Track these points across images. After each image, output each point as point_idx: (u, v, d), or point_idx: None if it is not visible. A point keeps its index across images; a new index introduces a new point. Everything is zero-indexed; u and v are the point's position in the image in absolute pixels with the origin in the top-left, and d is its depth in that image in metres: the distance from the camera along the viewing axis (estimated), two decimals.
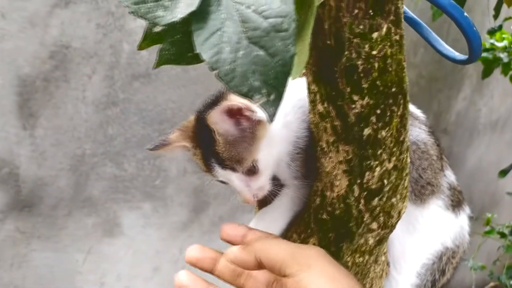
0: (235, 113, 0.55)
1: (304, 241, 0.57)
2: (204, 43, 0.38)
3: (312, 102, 0.51)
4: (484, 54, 2.11)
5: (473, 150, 2.75)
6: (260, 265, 0.52)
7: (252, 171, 0.58)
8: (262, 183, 0.59)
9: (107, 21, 1.60)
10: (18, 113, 1.53)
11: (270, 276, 0.53)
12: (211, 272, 0.58)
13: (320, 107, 0.50)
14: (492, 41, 2.15)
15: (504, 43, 2.14)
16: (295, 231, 0.59)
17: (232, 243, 0.59)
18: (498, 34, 2.17)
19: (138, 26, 1.65)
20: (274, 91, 0.36)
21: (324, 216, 0.55)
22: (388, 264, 0.63)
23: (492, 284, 2.73)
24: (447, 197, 0.67)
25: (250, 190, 0.59)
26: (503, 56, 2.14)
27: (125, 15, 1.63)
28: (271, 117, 0.35)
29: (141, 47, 0.49)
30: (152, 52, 1.71)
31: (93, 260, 1.78)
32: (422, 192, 0.64)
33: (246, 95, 0.36)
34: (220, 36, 0.38)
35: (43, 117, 1.56)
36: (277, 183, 0.61)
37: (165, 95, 1.75)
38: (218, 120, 0.55)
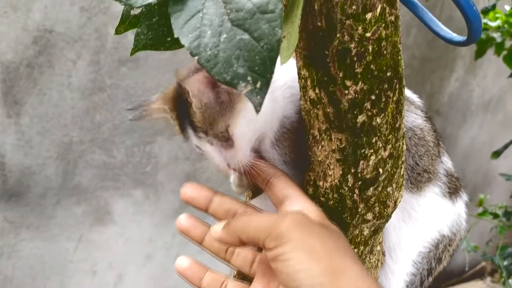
0: (215, 83, 0.51)
1: None
2: (183, 27, 0.34)
3: (303, 88, 0.48)
4: None
5: (466, 131, 2.75)
6: (244, 243, 0.51)
7: (224, 138, 0.55)
8: (236, 152, 0.55)
9: (91, 3, 1.54)
10: (2, 100, 1.49)
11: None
12: (205, 211, 0.59)
13: (311, 93, 0.47)
14: (485, 20, 2.12)
15: (497, 22, 2.11)
16: None
17: (195, 206, 0.59)
18: (491, 14, 2.14)
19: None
20: (260, 79, 0.33)
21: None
22: (383, 253, 0.61)
23: (483, 264, 2.75)
24: (444, 184, 0.65)
25: (223, 158, 0.55)
26: (496, 36, 2.11)
27: None
28: (257, 106, 0.32)
29: (118, 31, 0.46)
30: None
31: (84, 249, 1.75)
32: (418, 179, 0.61)
33: (230, 83, 0.33)
34: (201, 19, 0.35)
35: (28, 104, 1.52)
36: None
37: (155, 80, 1.71)
38: (197, 91, 0.51)
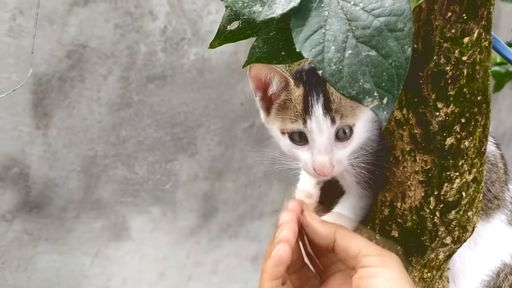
0: None
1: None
2: (305, 41, 0.35)
3: None
4: (496, 68, 2.10)
5: None
6: (331, 248, 0.50)
7: (344, 136, 0.53)
8: (344, 156, 0.53)
9: (125, 21, 1.57)
10: (32, 112, 1.49)
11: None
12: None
13: (397, 114, 0.48)
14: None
15: None
16: None
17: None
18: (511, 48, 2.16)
19: (156, 27, 1.63)
20: (387, 95, 0.33)
21: (393, 228, 0.52)
22: (447, 280, 0.61)
23: None
24: (510, 212, 0.64)
25: (330, 158, 0.52)
26: None
27: (144, 16, 1.61)
28: (385, 121, 0.33)
29: (212, 45, 0.47)
30: (168, 55, 1.69)
31: (100, 264, 1.74)
32: (488, 206, 0.61)
33: (356, 98, 0.34)
34: (323, 34, 0.35)
35: (57, 116, 1.53)
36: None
37: (180, 98, 1.73)
38: None
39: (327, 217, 0.58)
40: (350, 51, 0.34)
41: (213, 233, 1.97)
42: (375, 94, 0.33)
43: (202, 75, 1.77)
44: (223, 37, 0.46)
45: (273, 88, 0.55)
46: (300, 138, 0.54)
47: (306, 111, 0.52)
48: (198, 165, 1.85)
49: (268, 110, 0.58)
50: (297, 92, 0.54)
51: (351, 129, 0.53)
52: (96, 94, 1.56)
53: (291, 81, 0.54)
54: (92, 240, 1.69)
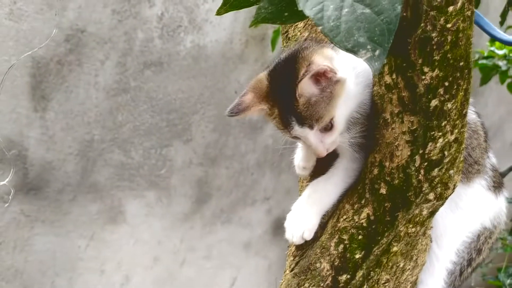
0: (319, 76, 0.58)
1: (358, 211, 0.60)
2: (307, 1, 0.39)
3: (379, 74, 0.53)
4: (483, 61, 2.15)
5: None
6: None
7: (327, 128, 0.61)
8: (334, 139, 0.62)
9: (123, 7, 1.60)
10: (30, 94, 1.52)
11: None
12: None
13: (387, 79, 0.52)
14: (492, 48, 2.19)
15: (504, 51, 2.18)
16: (347, 202, 0.61)
17: None
18: (498, 43, 2.22)
19: (154, 14, 1.66)
20: (379, 47, 0.38)
21: (382, 186, 0.57)
22: (430, 239, 0.66)
23: None
24: (489, 178, 0.69)
25: (323, 145, 0.61)
26: (502, 64, 2.18)
27: (141, 2, 1.64)
28: (376, 71, 0.37)
29: (219, 12, 0.51)
30: (165, 42, 1.71)
31: (95, 247, 1.77)
32: (469, 170, 0.66)
33: (351, 50, 0.38)
34: None
35: (55, 100, 1.56)
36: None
37: (175, 85, 1.76)
38: (305, 85, 0.58)
39: (307, 192, 0.66)
40: (346, 9, 0.39)
41: (206, 219, 2.00)
42: (368, 47, 0.38)
43: (197, 63, 1.80)
44: (228, 4, 0.50)
45: (255, 117, 0.65)
46: (294, 137, 0.64)
47: (287, 127, 0.62)
48: (192, 151, 1.89)
49: None
50: (275, 113, 0.63)
51: (331, 122, 0.61)
52: (93, 78, 1.59)
53: (267, 109, 0.63)
54: (88, 223, 1.72)
